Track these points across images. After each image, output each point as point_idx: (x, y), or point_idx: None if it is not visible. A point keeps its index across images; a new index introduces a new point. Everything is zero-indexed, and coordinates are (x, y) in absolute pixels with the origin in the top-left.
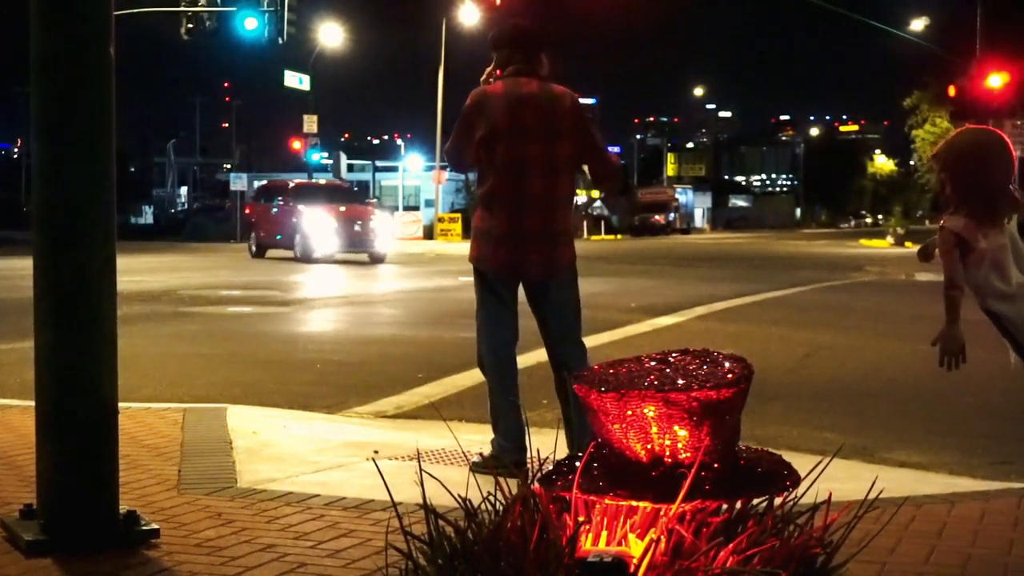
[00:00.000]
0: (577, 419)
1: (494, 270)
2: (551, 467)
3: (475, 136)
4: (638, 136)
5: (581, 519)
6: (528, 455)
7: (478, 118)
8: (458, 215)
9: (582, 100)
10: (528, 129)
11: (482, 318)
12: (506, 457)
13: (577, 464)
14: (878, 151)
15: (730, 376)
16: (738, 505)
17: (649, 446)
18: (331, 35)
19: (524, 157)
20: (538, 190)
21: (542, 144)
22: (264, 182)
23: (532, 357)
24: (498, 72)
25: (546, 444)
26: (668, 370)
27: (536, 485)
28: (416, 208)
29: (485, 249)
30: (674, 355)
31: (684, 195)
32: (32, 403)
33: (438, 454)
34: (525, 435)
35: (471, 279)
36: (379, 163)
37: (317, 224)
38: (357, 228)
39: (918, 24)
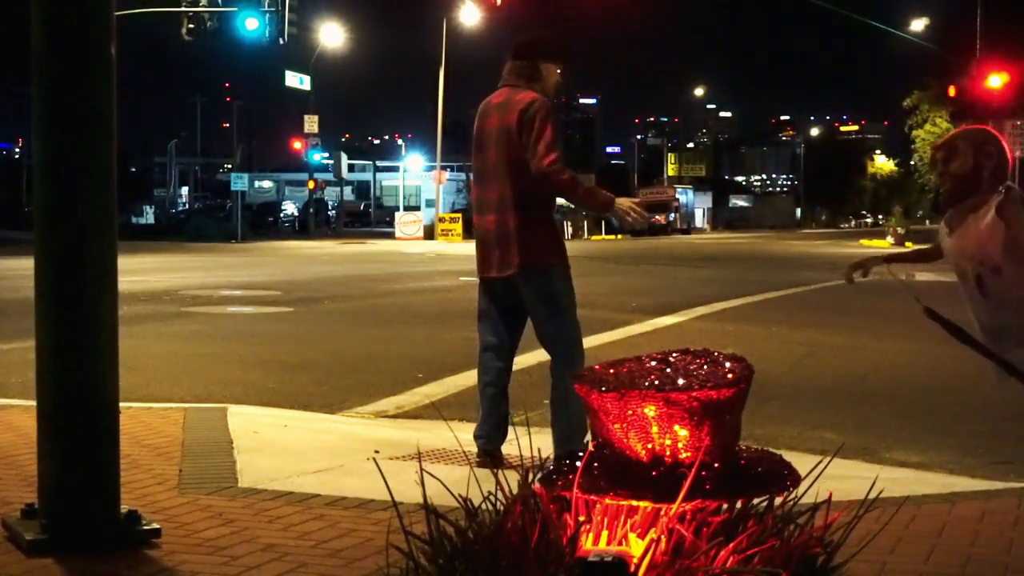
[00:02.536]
0: (562, 420)
1: (478, 270)
2: (551, 467)
3: None
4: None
5: (581, 519)
6: (490, 442)
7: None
8: (459, 215)
9: (584, 100)
10: (485, 136)
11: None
12: (477, 444)
13: (577, 464)
14: (878, 151)
15: (730, 376)
16: (738, 505)
17: (649, 446)
18: (331, 35)
19: (482, 163)
20: (493, 194)
21: (494, 150)
22: None
23: (532, 357)
24: None
25: (546, 444)
26: (668, 370)
27: (537, 485)
28: (417, 208)
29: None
30: (674, 355)
31: (684, 195)
32: (33, 403)
33: (439, 454)
34: (488, 423)
35: (472, 279)
36: (379, 163)
37: None
38: None
39: (918, 24)
